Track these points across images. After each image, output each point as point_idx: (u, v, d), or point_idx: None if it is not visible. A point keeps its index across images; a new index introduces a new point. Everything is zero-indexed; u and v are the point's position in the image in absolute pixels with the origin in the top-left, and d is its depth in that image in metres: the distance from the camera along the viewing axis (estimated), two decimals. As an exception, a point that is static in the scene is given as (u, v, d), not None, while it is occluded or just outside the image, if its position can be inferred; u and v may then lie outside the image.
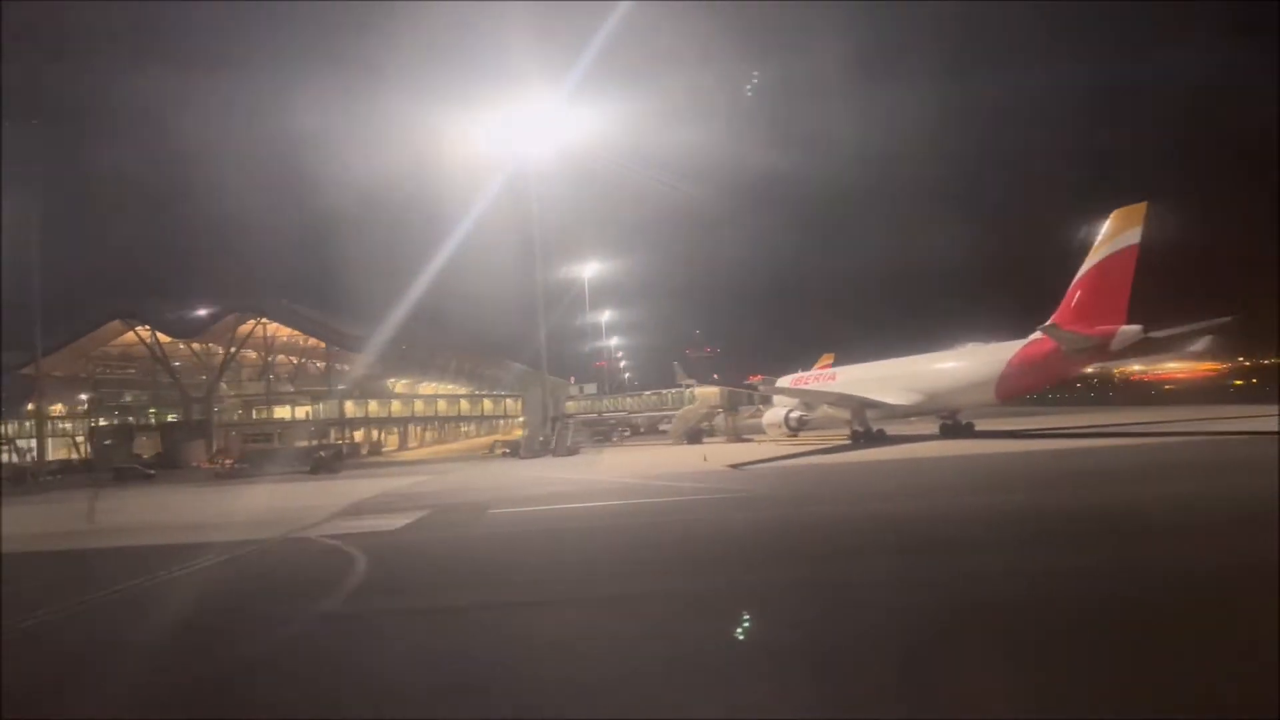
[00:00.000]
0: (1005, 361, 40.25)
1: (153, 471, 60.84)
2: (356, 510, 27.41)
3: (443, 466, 53.16)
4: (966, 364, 42.76)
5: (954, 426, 44.33)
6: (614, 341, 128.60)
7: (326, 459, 55.71)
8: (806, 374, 54.42)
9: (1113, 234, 37.60)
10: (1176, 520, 15.64)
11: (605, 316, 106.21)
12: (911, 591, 11.36)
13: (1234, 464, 24.71)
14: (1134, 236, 37.08)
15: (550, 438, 56.91)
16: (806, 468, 33.08)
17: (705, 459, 39.14)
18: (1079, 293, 38.17)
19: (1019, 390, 41.71)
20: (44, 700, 9.16)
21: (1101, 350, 37.55)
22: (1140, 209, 37.72)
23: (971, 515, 18.02)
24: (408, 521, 23.09)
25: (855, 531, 16.96)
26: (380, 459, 77.30)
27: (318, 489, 39.15)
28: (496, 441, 70.23)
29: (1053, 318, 38.44)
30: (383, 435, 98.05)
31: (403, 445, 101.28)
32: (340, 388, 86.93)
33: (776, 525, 18.73)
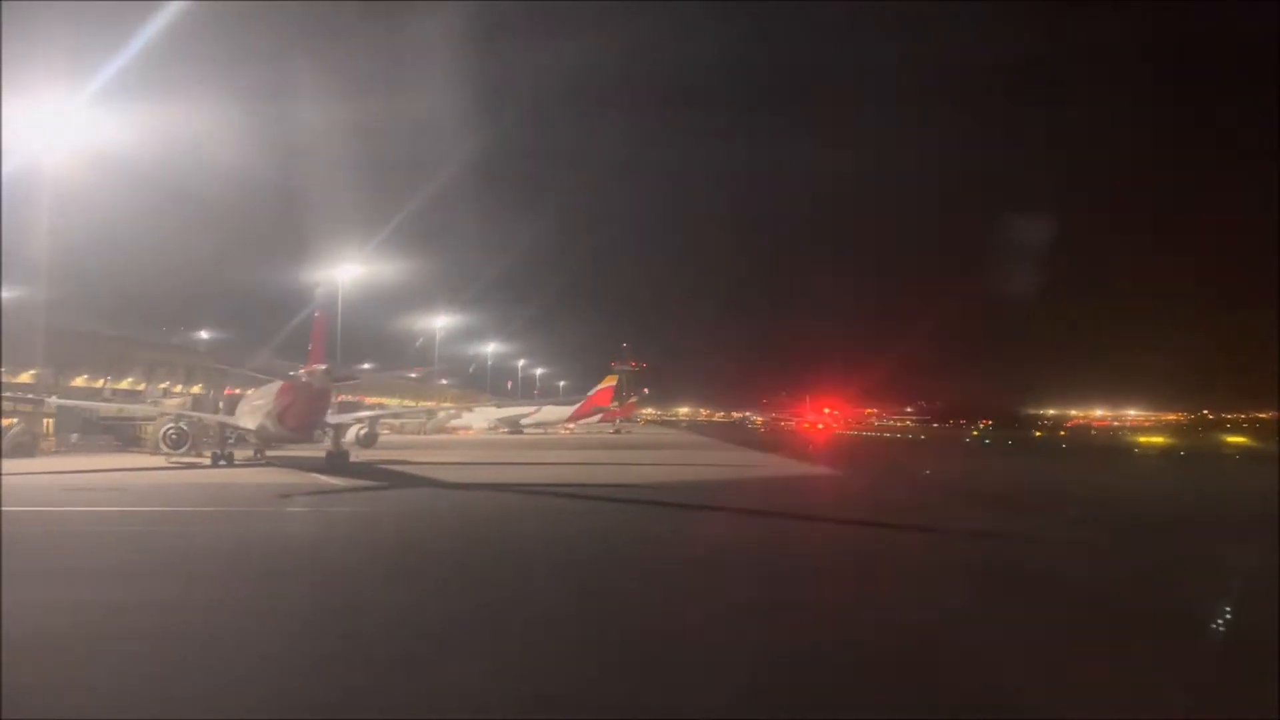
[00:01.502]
0: (278, 392, 40.10)
1: None
2: None
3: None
4: (265, 392, 42.11)
5: (334, 455, 41.40)
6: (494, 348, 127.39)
7: None
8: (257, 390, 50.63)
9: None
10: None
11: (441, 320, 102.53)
12: None
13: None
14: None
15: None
16: None
17: None
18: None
19: (293, 423, 39.97)
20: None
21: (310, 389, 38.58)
22: None
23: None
24: None
25: None
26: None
27: None
28: None
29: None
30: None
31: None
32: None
33: None
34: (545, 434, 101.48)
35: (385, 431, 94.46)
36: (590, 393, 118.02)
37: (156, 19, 45.60)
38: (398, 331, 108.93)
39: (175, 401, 51.47)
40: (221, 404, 52.65)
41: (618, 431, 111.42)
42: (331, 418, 47.04)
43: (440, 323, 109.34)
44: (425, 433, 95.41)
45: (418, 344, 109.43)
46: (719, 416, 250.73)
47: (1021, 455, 64.73)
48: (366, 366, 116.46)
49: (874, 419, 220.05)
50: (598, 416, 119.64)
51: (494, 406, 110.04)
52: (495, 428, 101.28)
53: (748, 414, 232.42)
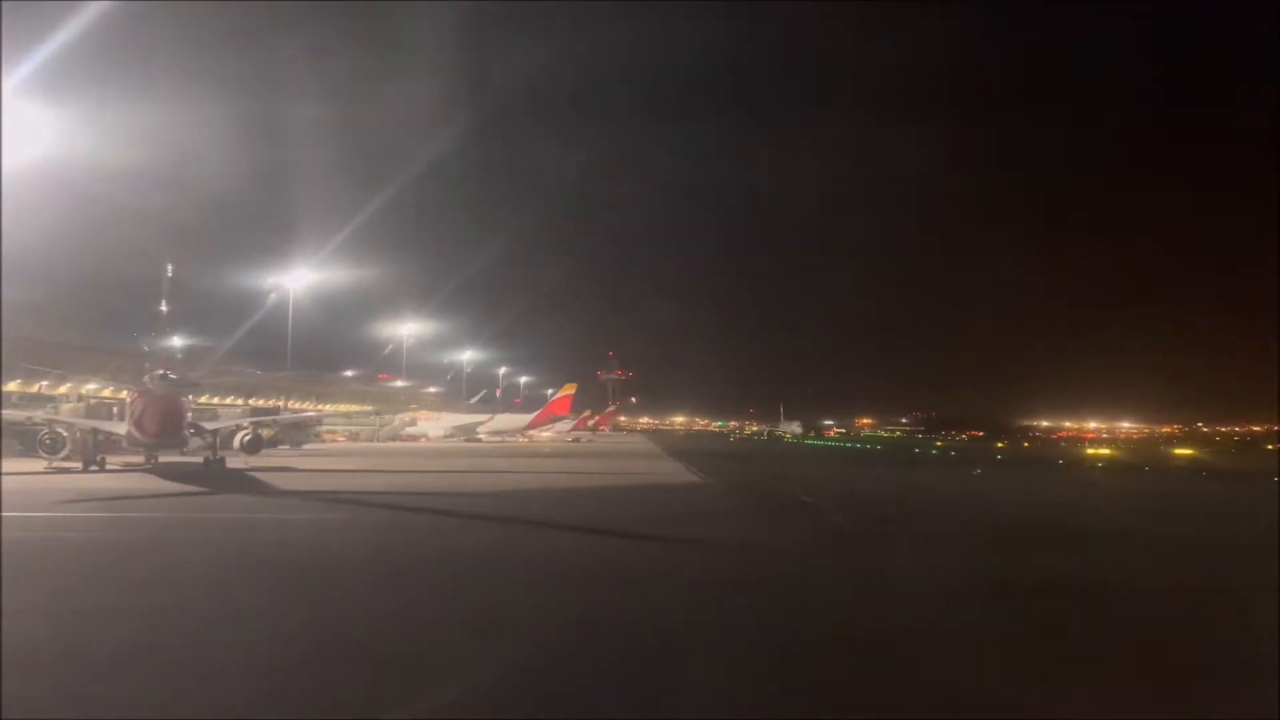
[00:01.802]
0: (131, 399, 41.15)
1: None
2: None
3: None
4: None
5: (209, 461, 41.80)
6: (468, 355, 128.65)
7: None
8: None
9: None
10: None
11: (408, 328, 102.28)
12: None
13: None
14: None
15: None
16: None
17: None
18: None
19: (151, 429, 40.16)
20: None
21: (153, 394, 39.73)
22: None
23: None
24: None
25: None
26: None
27: None
28: None
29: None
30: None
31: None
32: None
33: None
34: (503, 442, 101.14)
35: (343, 439, 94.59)
36: (549, 401, 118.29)
37: (89, 13, 44.27)
38: (378, 337, 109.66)
39: (69, 407, 51.19)
40: (115, 409, 52.44)
41: (577, 440, 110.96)
42: (211, 423, 46.81)
43: (421, 329, 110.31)
44: (379, 439, 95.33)
45: (386, 350, 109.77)
46: (714, 426, 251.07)
47: (954, 465, 63.62)
48: (350, 373, 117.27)
49: (867, 428, 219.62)
50: (569, 424, 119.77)
51: (447, 413, 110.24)
52: (451, 435, 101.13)
53: (736, 424, 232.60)
